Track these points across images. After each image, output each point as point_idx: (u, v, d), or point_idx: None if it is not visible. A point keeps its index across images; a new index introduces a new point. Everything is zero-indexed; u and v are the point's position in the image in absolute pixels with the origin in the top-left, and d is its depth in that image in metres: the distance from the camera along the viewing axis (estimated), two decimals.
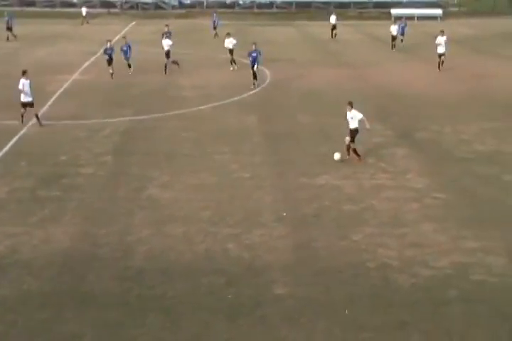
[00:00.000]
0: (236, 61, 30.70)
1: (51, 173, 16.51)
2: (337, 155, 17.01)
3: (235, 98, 24.62)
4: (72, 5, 62.16)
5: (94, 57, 33.99)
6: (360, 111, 17.24)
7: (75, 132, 20.29)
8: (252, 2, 62.77)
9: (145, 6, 62.70)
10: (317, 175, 16.29)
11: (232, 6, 62.50)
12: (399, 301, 10.53)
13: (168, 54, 30.06)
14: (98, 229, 13.23)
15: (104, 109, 23.22)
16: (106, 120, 21.64)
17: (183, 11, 61.00)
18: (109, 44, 28.73)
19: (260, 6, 62.43)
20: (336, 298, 10.67)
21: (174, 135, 19.93)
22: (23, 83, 20.27)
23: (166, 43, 30.05)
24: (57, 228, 13.27)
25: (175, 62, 30.26)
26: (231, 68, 30.60)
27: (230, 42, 30.54)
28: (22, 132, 20.09)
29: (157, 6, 62.49)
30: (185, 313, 10.27)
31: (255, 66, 26.32)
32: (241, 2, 63.17)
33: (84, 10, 53.35)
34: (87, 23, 52.50)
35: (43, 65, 31.64)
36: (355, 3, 62.59)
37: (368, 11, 61.44)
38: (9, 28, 41.74)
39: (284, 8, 61.93)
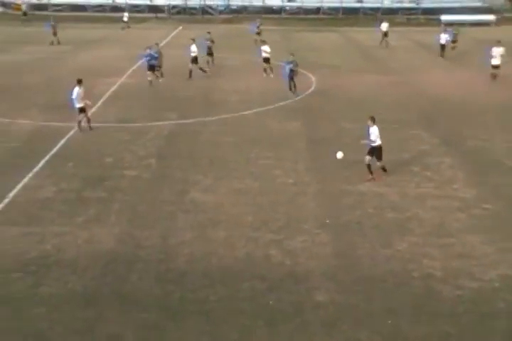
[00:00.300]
0: (272, 68, 30.32)
1: (96, 175, 16.79)
2: (339, 154, 16.56)
3: (279, 103, 24.57)
4: (122, 10, 63.24)
5: (141, 61, 34.41)
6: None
7: (120, 135, 20.60)
8: (298, 8, 62.76)
9: (192, 11, 63.34)
10: (360, 182, 16.13)
11: (278, 11, 62.60)
12: (443, 312, 10.32)
13: (195, 60, 30.07)
14: (141, 231, 13.38)
15: (149, 113, 23.49)
16: (150, 123, 21.89)
17: (229, 16, 61.38)
18: (148, 50, 28.42)
19: (307, 11, 62.33)
20: (378, 307, 10.54)
21: (217, 139, 20.02)
22: (78, 92, 20.49)
23: (193, 49, 29.97)
24: (101, 229, 13.48)
25: (202, 69, 30.31)
26: (264, 75, 30.32)
27: (264, 51, 30.09)
28: (70, 134, 20.48)
29: (204, 11, 63.06)
30: (226, 318, 10.30)
31: (293, 78, 25.45)
32: (287, 8, 63.22)
33: (125, 15, 54.01)
34: (128, 27, 53.02)
35: (92, 68, 32.24)
36: (403, 9, 61.79)
37: (416, 17, 60.58)
38: (55, 33, 42.50)
39: (331, 14, 61.69)
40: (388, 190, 15.67)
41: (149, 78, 28.25)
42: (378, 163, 16.30)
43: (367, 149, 16.25)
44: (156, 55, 28.82)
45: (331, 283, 11.33)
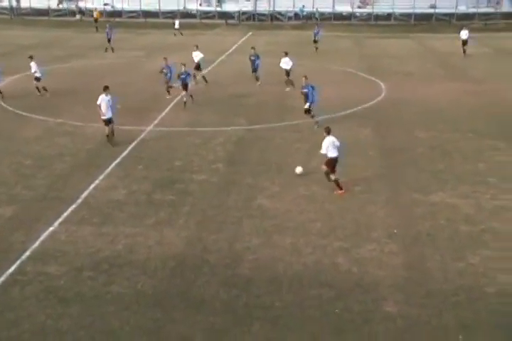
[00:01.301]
0: (293, 82, 28.01)
1: (166, 178, 17.06)
2: (299, 169, 16.80)
3: (349, 111, 24.31)
4: (192, 16, 64.51)
5: (210, 67, 34.91)
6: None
7: (189, 139, 20.85)
8: (369, 14, 62.11)
9: (262, 17, 63.84)
10: (432, 192, 15.74)
11: (348, 17, 62.16)
12: None
13: (198, 67, 29.81)
14: (209, 235, 13.49)
15: (219, 118, 23.71)
16: (220, 128, 22.08)
17: (299, 22, 61.43)
18: (183, 68, 25.28)
19: (378, 17, 61.60)
20: (449, 322, 10.22)
21: (286, 146, 19.98)
22: (102, 99, 19.58)
23: (198, 56, 29.76)
24: (170, 231, 13.66)
25: (202, 77, 29.79)
26: (287, 89, 28.36)
27: (285, 63, 28.58)
28: (141, 137, 20.91)
29: (273, 18, 63.38)
30: (292, 325, 10.22)
31: (309, 104, 21.61)
32: (358, 14, 62.66)
33: (176, 22, 54.41)
34: (181, 34, 52.87)
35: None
36: (480, 14, 59.99)
37: (494, 22, 58.71)
38: (109, 40, 42.42)
39: (403, 20, 60.67)
40: (462, 201, 15.21)
41: (185, 99, 25.24)
42: (324, 170, 15.75)
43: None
44: (165, 71, 26.67)
45: (400, 294, 11.08)
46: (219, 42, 47.38)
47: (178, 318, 10.37)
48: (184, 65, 25.35)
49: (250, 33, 54.89)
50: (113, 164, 18.10)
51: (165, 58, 27.01)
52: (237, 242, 13.16)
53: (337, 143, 15.72)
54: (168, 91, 26.74)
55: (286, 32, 55.59)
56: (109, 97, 19.79)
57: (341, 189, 15.74)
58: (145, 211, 14.77)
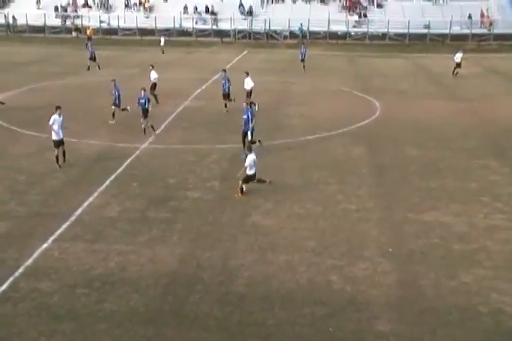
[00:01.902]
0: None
1: (160, 195, 17.06)
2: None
3: (343, 129, 24.46)
4: (188, 34, 64.98)
5: (205, 85, 35.13)
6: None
7: (183, 156, 20.90)
8: (363, 33, 62.70)
9: (257, 36, 64.31)
10: (425, 211, 15.80)
11: (343, 36, 62.72)
12: None
13: (154, 87, 29.69)
14: (202, 252, 13.47)
15: (213, 135, 23.76)
16: (214, 146, 22.14)
17: (294, 41, 61.87)
18: (142, 92, 23.82)
19: (372, 37, 62.16)
20: None
21: (280, 163, 20.02)
22: (55, 119, 19.05)
23: (153, 76, 29.82)
24: (163, 249, 13.64)
25: (154, 96, 29.09)
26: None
27: (247, 84, 28.03)
28: (135, 154, 20.94)
29: (269, 36, 63.88)
30: None
31: (248, 133, 20.88)
32: (353, 33, 63.22)
33: (162, 39, 54.56)
34: (163, 52, 52.27)
35: (157, 91, 32.95)
36: (474, 35, 60.62)
37: (487, 43, 59.36)
38: (92, 58, 41.65)
39: (397, 39, 61.24)
40: (455, 219, 15.28)
41: (143, 125, 23.54)
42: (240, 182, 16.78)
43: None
44: (116, 94, 25.51)
45: (393, 313, 11.08)
46: (214, 60, 47.65)
47: (170, 336, 10.33)
48: (144, 89, 24.13)
49: (246, 52, 55.21)
50: (107, 181, 18.09)
51: (113, 80, 26.16)
52: (231, 259, 13.16)
53: (256, 160, 16.70)
54: (113, 115, 25.63)
55: (282, 50, 55.96)
56: (61, 118, 19.30)
57: (242, 193, 16.88)
58: (138, 228, 14.75)
